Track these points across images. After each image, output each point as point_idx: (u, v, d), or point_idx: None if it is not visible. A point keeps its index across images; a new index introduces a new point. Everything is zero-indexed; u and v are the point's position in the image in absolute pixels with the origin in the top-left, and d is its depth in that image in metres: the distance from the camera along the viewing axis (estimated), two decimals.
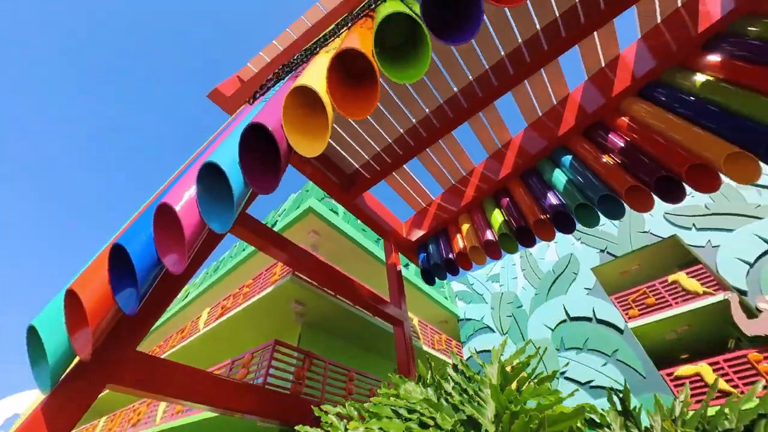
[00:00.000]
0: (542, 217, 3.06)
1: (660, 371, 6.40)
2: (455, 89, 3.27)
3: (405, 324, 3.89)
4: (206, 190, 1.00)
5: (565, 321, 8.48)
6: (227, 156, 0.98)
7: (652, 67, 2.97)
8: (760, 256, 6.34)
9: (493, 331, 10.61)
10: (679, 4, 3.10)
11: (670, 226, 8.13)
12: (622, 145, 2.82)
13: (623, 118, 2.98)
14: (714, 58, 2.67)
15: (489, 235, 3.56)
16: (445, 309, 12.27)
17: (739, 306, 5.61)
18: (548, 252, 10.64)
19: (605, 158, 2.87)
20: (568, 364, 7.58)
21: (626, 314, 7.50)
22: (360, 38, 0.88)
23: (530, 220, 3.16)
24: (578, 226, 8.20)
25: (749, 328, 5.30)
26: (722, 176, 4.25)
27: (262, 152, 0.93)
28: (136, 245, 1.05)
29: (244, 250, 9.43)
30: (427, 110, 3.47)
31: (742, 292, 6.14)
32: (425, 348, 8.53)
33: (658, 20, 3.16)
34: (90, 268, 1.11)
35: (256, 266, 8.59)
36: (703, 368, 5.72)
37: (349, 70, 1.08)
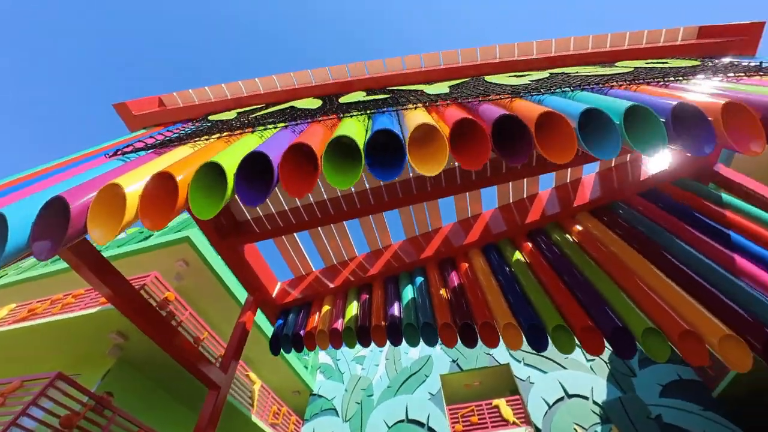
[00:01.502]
0: (382, 323, 3.39)
1: None
2: (353, 190, 3.71)
3: (222, 390, 3.62)
4: None
5: (402, 421, 8.71)
6: (25, 211, 1.02)
7: (495, 233, 3.83)
8: (556, 401, 7.76)
9: (337, 416, 10.23)
10: (525, 196, 4.20)
11: (507, 354, 9.50)
12: (456, 285, 3.43)
13: (465, 263, 3.68)
14: (530, 245, 3.59)
15: (338, 324, 3.75)
16: (300, 379, 11.58)
17: None
18: (413, 349, 11.25)
19: (442, 291, 3.43)
20: None
21: (453, 427, 8.11)
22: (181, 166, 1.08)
23: (372, 323, 3.47)
24: None
25: None
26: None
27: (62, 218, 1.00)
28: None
29: (102, 250, 7.90)
30: (325, 196, 3.81)
31: (537, 429, 7.27)
32: (254, 419, 7.73)
33: (510, 200, 4.21)
34: None
35: None
36: None
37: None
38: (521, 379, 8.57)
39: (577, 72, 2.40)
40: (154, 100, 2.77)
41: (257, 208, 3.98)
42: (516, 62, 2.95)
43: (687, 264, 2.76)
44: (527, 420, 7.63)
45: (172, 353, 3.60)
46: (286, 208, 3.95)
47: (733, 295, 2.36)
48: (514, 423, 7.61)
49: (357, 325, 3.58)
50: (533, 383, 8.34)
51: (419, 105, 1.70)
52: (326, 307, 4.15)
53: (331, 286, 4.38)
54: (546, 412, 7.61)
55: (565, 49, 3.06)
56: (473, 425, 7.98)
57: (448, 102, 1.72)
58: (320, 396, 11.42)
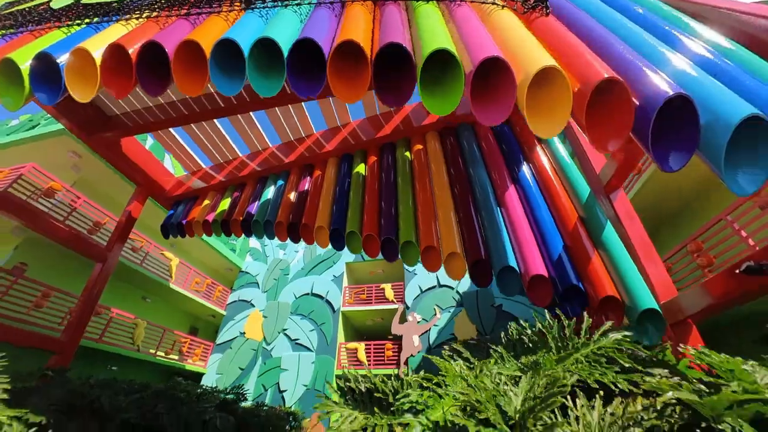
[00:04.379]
0: (239, 218, 4.02)
1: (340, 343, 9.19)
2: (211, 89, 3.83)
3: (107, 263, 4.24)
4: None
5: (307, 294, 10.60)
6: None
7: (352, 144, 4.27)
8: (429, 288, 9.89)
9: (258, 287, 11.97)
10: (378, 113, 4.48)
11: None
12: (304, 189, 4.05)
13: (319, 171, 4.21)
14: (374, 160, 4.13)
15: (210, 217, 4.33)
16: (227, 260, 12.97)
17: (399, 314, 8.58)
18: None
19: (292, 194, 4.05)
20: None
21: (345, 301, 10.13)
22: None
23: (232, 216, 4.08)
24: None
25: (393, 328, 8.24)
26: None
27: None
28: None
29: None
30: (189, 97, 3.91)
31: (407, 306, 9.43)
32: (173, 286, 8.92)
33: (378, 112, 4.49)
34: None
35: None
36: (360, 346, 8.59)
37: None
38: (409, 270, 10.52)
39: None
40: None
41: (121, 102, 4.01)
42: None
43: (475, 196, 3.33)
44: (402, 300, 9.76)
45: (52, 237, 4.09)
46: (151, 104, 4.03)
47: (486, 225, 3.05)
48: (392, 301, 9.74)
49: (222, 218, 4.20)
50: (416, 274, 10.33)
51: None
52: (206, 201, 4.66)
53: (215, 181, 4.81)
54: (418, 295, 9.76)
55: None
56: (361, 300, 10.07)
57: None
58: (247, 273, 12.99)
